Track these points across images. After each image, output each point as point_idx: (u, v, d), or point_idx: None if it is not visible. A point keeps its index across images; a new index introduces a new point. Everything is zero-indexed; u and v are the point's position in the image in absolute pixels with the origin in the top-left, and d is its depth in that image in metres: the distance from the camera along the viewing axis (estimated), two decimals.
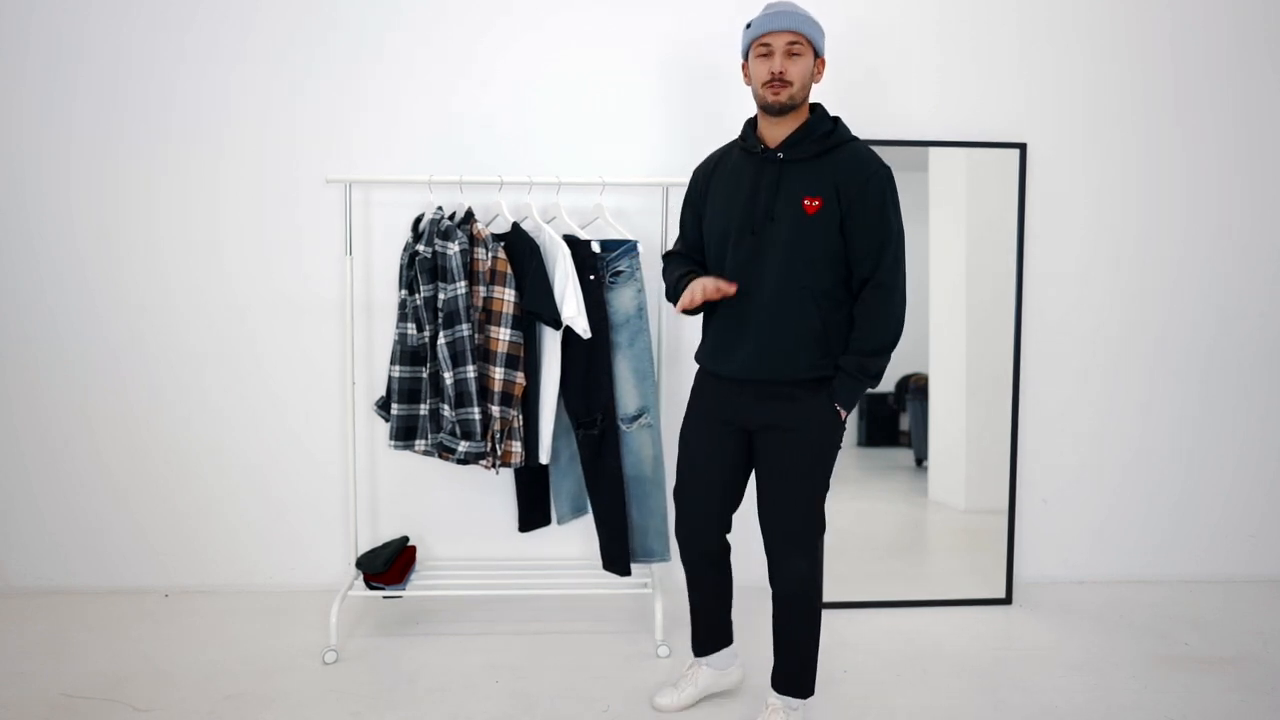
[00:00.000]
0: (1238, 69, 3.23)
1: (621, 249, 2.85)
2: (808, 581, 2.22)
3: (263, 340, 3.15)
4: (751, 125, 2.25)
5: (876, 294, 2.13)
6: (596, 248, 2.81)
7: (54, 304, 3.12)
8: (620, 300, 2.85)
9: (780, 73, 2.09)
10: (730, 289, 2.14)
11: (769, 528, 2.24)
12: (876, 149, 3.09)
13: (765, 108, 2.15)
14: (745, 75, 2.22)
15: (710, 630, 2.45)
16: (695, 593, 2.43)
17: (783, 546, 2.22)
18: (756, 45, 2.14)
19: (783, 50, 2.10)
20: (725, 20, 3.06)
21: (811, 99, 2.22)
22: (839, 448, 2.25)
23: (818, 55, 2.15)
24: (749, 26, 2.17)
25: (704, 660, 2.47)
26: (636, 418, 2.86)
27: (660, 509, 2.89)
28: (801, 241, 2.11)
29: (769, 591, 2.29)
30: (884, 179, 2.12)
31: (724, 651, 2.48)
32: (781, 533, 2.21)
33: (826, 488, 2.24)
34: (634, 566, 2.93)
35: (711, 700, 2.47)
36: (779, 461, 2.20)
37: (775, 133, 2.17)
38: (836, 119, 2.20)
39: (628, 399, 2.86)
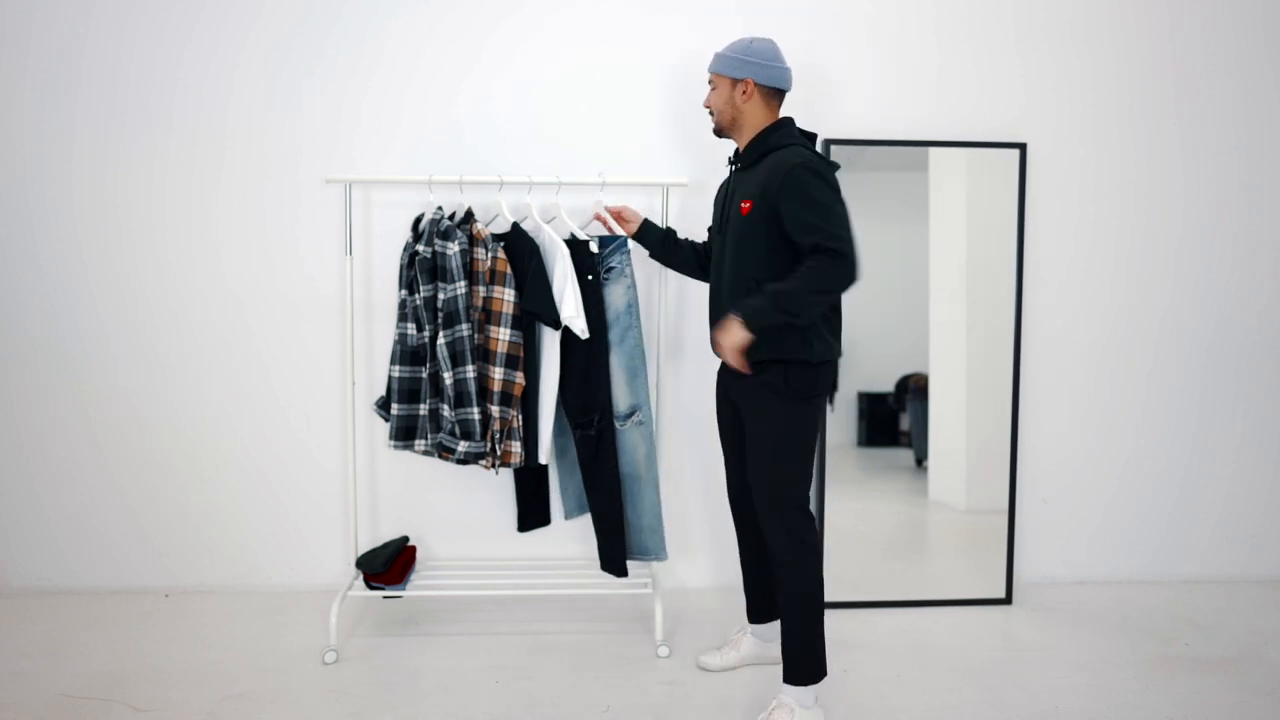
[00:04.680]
0: (1237, 68, 3.23)
1: (613, 245, 2.84)
2: (789, 558, 2.31)
3: (263, 340, 3.15)
4: None
5: (820, 256, 2.16)
6: (595, 248, 2.81)
7: (55, 304, 3.12)
8: (611, 297, 2.84)
9: (705, 103, 2.48)
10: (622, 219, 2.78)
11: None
12: (877, 149, 3.12)
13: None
14: None
15: (754, 597, 2.64)
16: (741, 555, 2.65)
17: (763, 521, 2.35)
18: None
19: (709, 87, 2.47)
20: (723, 24, 3.07)
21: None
22: (802, 430, 2.31)
23: (740, 80, 2.37)
24: None
25: (751, 628, 2.65)
26: (629, 415, 2.86)
27: (654, 506, 2.88)
28: (742, 240, 2.33)
29: None
30: (803, 168, 2.22)
31: (772, 624, 2.63)
32: (758, 506, 2.37)
33: (792, 465, 2.31)
34: (633, 566, 2.93)
35: (744, 691, 2.48)
36: (745, 438, 2.41)
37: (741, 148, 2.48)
38: (781, 129, 2.37)
39: (619, 396, 2.85)
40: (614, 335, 2.84)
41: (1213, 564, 3.37)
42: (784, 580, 2.32)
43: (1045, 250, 3.23)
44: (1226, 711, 2.43)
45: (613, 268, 2.84)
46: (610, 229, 2.81)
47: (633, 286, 2.85)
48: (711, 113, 2.46)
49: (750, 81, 2.36)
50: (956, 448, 3.22)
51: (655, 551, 2.89)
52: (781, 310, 2.14)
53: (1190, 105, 3.23)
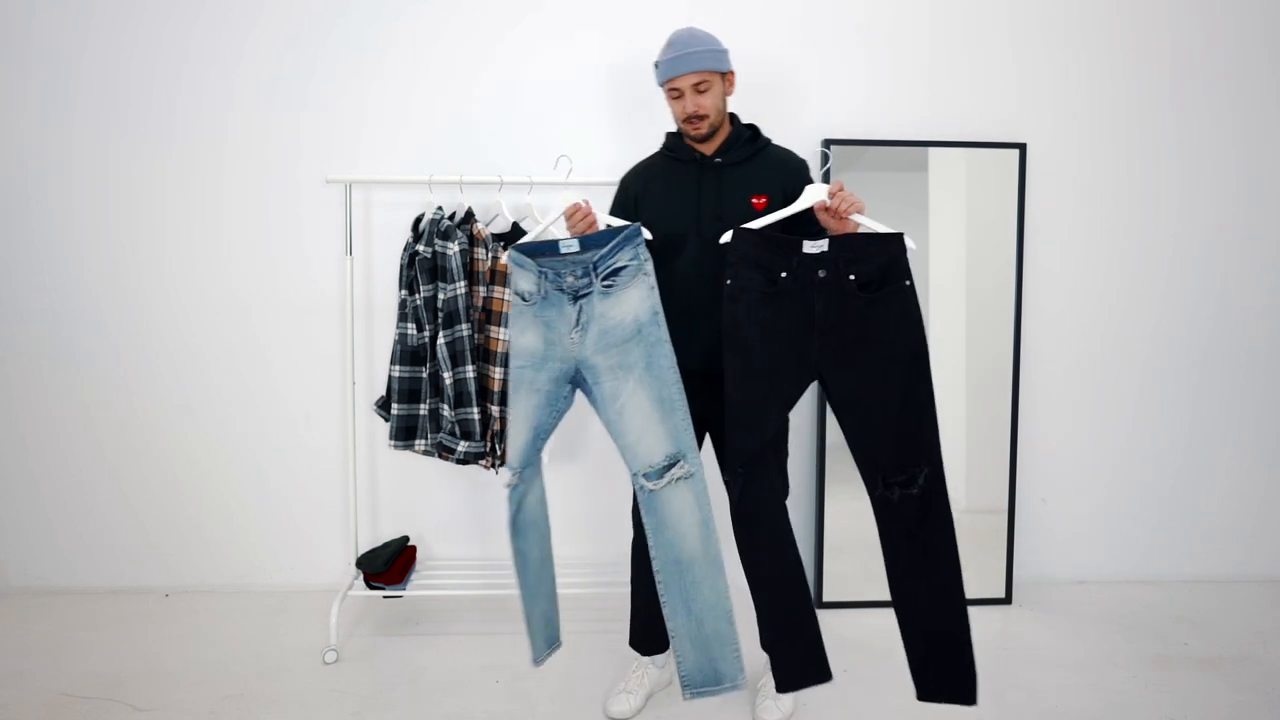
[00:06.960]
0: (1235, 67, 3.23)
1: (617, 238, 2.13)
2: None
3: (263, 340, 3.15)
4: (677, 135, 2.36)
5: None
6: (576, 247, 2.15)
7: (56, 304, 3.12)
8: (624, 306, 2.13)
9: (694, 111, 2.22)
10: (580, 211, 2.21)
11: None
12: (876, 149, 3.13)
13: (691, 139, 2.29)
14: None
15: (655, 626, 2.44)
16: (640, 580, 2.44)
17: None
18: (668, 88, 2.26)
19: (691, 90, 2.22)
20: (724, 23, 3.07)
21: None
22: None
23: (727, 72, 2.26)
24: (657, 66, 2.27)
25: (653, 659, 2.52)
26: (668, 468, 2.10)
27: (721, 601, 2.12)
28: None
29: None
30: (806, 168, 2.33)
31: (665, 653, 2.53)
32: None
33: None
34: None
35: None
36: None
37: (707, 145, 2.30)
38: (751, 125, 2.34)
39: (650, 444, 2.10)
40: (635, 357, 2.11)
41: (1212, 564, 3.37)
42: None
43: (1045, 250, 3.23)
44: (1226, 711, 2.43)
45: (622, 268, 2.13)
46: (594, 223, 2.21)
47: (655, 289, 2.13)
48: (700, 117, 2.21)
49: (732, 73, 2.27)
50: (956, 448, 3.22)
51: (731, 676, 2.10)
52: None
53: (1188, 104, 3.23)
